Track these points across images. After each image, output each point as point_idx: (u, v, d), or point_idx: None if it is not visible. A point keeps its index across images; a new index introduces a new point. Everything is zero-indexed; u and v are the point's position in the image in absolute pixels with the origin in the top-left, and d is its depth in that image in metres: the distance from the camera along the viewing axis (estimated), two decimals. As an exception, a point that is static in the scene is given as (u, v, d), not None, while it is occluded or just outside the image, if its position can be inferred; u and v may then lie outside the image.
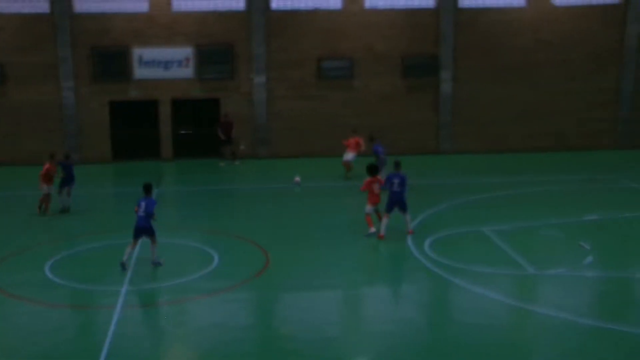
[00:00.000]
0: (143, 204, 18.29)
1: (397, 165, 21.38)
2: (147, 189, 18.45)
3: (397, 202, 20.79)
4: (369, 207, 21.18)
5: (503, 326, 15.79)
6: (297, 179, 18.61)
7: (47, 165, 23.64)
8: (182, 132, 33.03)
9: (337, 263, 19.25)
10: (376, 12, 32.56)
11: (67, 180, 24.03)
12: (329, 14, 32.51)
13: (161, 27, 31.79)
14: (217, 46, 32.06)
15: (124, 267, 18.22)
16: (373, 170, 21.28)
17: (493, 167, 30.22)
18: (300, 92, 32.69)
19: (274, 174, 29.62)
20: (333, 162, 30.31)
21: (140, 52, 32.08)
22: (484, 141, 33.55)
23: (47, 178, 23.55)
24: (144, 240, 18.74)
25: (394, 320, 15.80)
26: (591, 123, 33.88)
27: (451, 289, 17.73)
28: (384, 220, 20.85)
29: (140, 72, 32.26)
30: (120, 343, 14.45)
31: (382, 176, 22.44)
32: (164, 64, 32.15)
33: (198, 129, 33.21)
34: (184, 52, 32.14)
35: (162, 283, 17.78)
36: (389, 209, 20.86)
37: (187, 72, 32.30)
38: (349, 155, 28.25)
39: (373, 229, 21.13)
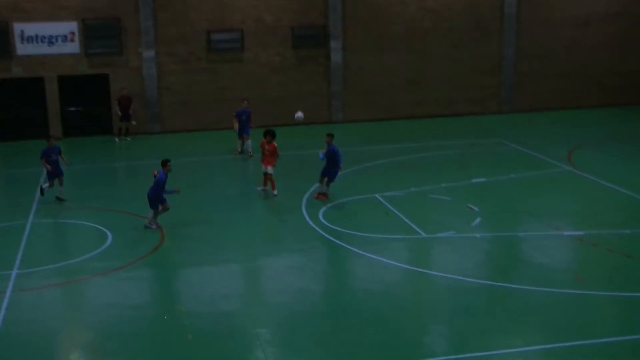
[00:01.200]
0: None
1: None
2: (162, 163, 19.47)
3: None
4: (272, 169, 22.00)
5: (398, 290, 16.04)
6: (299, 114, 19.40)
7: None
8: (71, 109, 32.03)
9: (232, 236, 19.14)
10: (264, -17, 32.27)
11: None
12: (216, -15, 32.02)
13: (42, 1, 30.62)
14: (103, 20, 31.11)
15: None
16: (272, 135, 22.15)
17: (384, 135, 30.52)
18: (190, 65, 32.09)
19: (165, 149, 29.09)
20: (226, 136, 30.06)
21: (21, 28, 30.82)
22: (375, 110, 33.78)
23: None
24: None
25: (290, 291, 15.83)
26: (477, 89, 34.54)
27: (346, 256, 17.88)
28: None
29: (22, 49, 30.96)
30: (11, 329, 14.02)
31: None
32: (47, 40, 31.00)
33: (88, 107, 32.24)
34: (69, 26, 31.00)
35: (53, 264, 17.28)
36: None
37: (73, 47, 31.23)
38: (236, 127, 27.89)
39: (275, 192, 22.07)
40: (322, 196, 21.62)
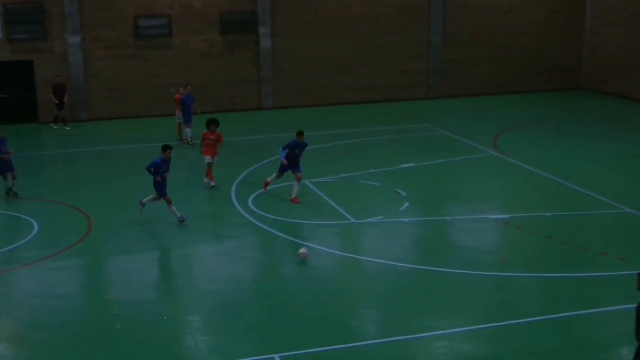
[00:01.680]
0: None
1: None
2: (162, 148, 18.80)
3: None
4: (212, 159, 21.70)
5: (328, 275, 16.18)
6: (303, 251, 15.80)
7: None
8: (-6, 96, 31.22)
9: (161, 224, 19.00)
10: (192, -32, 31.92)
11: None
12: (143, -30, 31.54)
13: (-41, -15, 29.76)
14: (26, 4, 30.33)
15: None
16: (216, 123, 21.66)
17: (315, 121, 30.57)
18: (117, 52, 31.55)
19: (96, 137, 28.65)
20: (157, 123, 29.76)
21: (-60, 13, 29.90)
22: (305, 95, 33.78)
23: None
24: None
25: (220, 278, 15.83)
26: (405, 75, 34.82)
27: (276, 242, 17.91)
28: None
29: (-59, 35, 30.11)
30: None
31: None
32: (-33, 25, 30.16)
33: (11, 93, 31.45)
34: (-10, 12, 30.27)
35: (-22, 256, 16.91)
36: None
37: (-5, 33, 30.47)
38: (177, 115, 27.43)
39: (212, 182, 21.66)
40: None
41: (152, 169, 18.42)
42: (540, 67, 36.46)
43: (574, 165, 23.81)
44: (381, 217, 19.13)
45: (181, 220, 18.51)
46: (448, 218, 19.21)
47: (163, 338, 13.26)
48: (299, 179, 20.17)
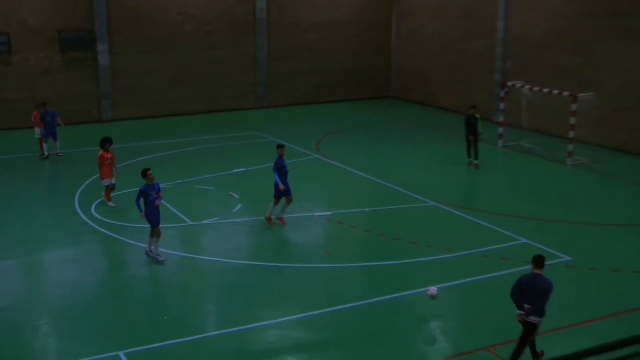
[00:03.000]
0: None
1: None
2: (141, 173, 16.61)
3: None
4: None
5: (168, 275, 15.95)
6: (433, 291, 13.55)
7: None
8: None
9: (7, 233, 18.08)
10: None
11: None
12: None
13: None
14: None
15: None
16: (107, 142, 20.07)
17: (152, 132, 30.00)
18: (-43, 68, 29.80)
19: None
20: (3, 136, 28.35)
21: None
22: (143, 108, 33.06)
23: None
24: None
25: (67, 283, 15.27)
26: (235, 86, 34.82)
27: (119, 246, 17.50)
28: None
29: None
30: None
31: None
32: None
33: None
34: None
35: None
36: None
37: None
38: (37, 131, 26.04)
39: (111, 203, 19.92)
40: (282, 220, 18.80)
41: (140, 200, 16.23)
42: (355, 79, 37.51)
43: (387, 166, 24.66)
44: (216, 218, 19.06)
45: (158, 261, 16.20)
46: (273, 217, 19.37)
47: (11, 344, 12.64)
48: (289, 202, 18.59)
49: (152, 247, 16.25)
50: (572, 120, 24.58)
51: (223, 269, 16.12)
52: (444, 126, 30.68)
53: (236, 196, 20.85)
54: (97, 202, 20.26)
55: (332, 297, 14.61)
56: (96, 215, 19.22)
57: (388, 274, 15.76)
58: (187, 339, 12.83)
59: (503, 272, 15.62)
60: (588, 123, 25.59)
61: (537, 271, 11.53)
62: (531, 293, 11.34)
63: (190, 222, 18.80)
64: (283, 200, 18.57)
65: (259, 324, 13.37)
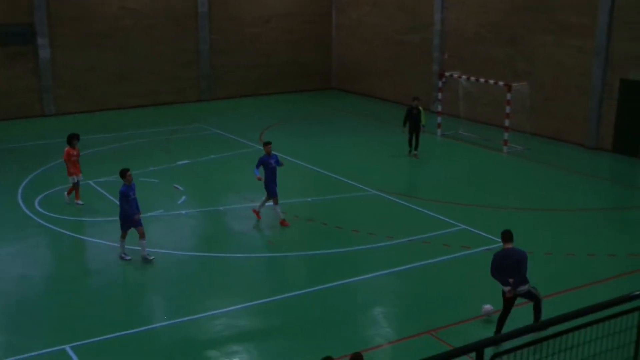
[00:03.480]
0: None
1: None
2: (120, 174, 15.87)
3: None
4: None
5: (114, 268, 15.70)
6: (487, 308, 13.23)
7: None
8: None
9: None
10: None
11: None
12: None
13: None
14: None
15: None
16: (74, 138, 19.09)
17: (95, 126, 29.43)
18: None
19: None
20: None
21: None
22: (86, 102, 32.44)
23: None
24: None
25: (11, 278, 14.91)
26: (178, 80, 34.41)
27: (64, 240, 17.18)
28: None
29: None
30: None
31: None
32: None
33: None
34: None
35: None
36: None
37: None
38: None
39: (80, 201, 19.12)
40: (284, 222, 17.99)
41: (123, 202, 15.57)
42: (297, 71, 37.46)
43: (329, 156, 24.72)
44: (161, 210, 18.85)
45: (148, 260, 15.67)
46: (221, 208, 19.28)
47: (-46, 341, 12.32)
48: (276, 202, 17.75)
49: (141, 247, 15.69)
50: (508, 109, 25.04)
51: (169, 260, 15.95)
52: (385, 117, 30.88)
53: (181, 188, 20.65)
54: (40, 196, 19.83)
55: (277, 286, 14.61)
56: (40, 209, 18.81)
57: (331, 262, 15.81)
58: (134, 330, 12.69)
59: (444, 257, 15.86)
60: (522, 112, 26.13)
61: (507, 245, 11.82)
62: (507, 266, 11.62)
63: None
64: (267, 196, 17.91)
65: (205, 314, 13.29)
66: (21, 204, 19.29)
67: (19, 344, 12.23)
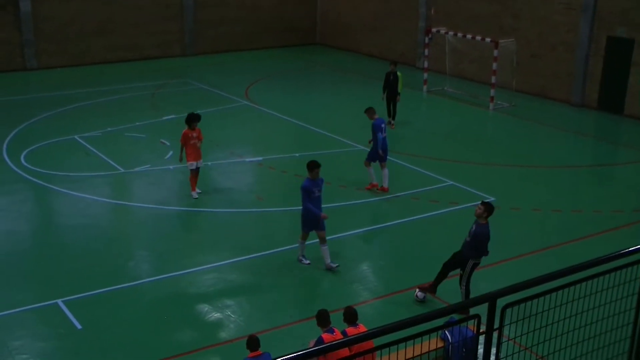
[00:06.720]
0: None
1: None
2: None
3: None
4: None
5: (102, 223, 15.65)
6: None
7: None
8: None
9: None
10: None
11: None
12: None
13: None
14: None
15: None
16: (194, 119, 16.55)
17: (79, 80, 28.98)
18: None
19: None
20: None
21: None
22: (68, 56, 31.90)
23: None
24: None
25: (-2, 233, 14.78)
26: (162, 34, 33.86)
27: (50, 195, 17.02)
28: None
29: None
30: None
31: None
32: None
33: None
34: None
35: None
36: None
37: None
38: None
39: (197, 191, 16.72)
40: (382, 188, 17.00)
41: (304, 198, 13.12)
42: (281, 26, 36.96)
43: (315, 111, 24.57)
44: (148, 165, 18.69)
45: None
46: (209, 163, 19.09)
47: (-58, 296, 12.22)
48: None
49: None
50: (494, 65, 24.92)
51: (157, 215, 15.87)
52: (369, 72, 30.61)
53: (167, 143, 20.44)
54: (26, 151, 19.57)
55: (266, 241, 14.57)
56: (26, 164, 18.58)
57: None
58: (125, 285, 12.65)
59: (433, 212, 15.89)
60: (508, 69, 26.02)
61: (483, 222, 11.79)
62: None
63: (122, 170, 18.37)
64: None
65: (195, 269, 13.25)
66: (7, 159, 19.03)
67: (11, 298, 12.14)
